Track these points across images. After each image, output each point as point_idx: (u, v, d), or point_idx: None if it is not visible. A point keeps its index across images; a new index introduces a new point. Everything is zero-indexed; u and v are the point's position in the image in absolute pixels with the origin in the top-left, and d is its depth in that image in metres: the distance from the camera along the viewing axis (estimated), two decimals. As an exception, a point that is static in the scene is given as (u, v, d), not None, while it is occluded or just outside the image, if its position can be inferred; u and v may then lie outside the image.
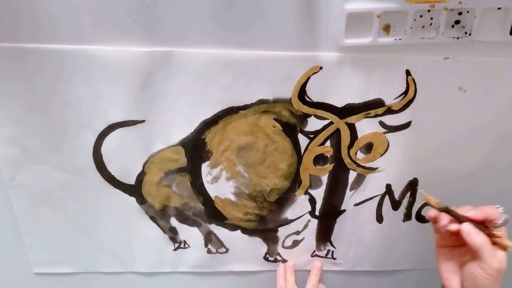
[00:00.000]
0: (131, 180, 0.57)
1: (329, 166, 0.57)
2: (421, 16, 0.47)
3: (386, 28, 0.47)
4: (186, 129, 0.54)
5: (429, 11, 0.46)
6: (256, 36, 0.48)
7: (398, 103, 0.53)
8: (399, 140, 0.56)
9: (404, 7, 0.45)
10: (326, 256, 0.66)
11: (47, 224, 0.60)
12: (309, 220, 0.62)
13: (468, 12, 0.47)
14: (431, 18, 0.47)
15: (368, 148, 0.56)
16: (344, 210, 0.61)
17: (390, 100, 0.53)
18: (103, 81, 0.49)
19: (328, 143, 0.56)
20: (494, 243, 0.46)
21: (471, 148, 0.57)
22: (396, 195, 0.61)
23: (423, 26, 0.48)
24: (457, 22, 0.48)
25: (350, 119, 0.54)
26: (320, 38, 0.49)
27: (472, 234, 0.45)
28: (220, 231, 0.62)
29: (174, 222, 0.61)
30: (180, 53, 0.48)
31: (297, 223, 0.62)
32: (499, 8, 0.47)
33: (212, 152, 0.55)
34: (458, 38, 0.48)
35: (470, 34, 0.48)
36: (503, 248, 0.46)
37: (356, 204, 0.61)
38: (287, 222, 0.62)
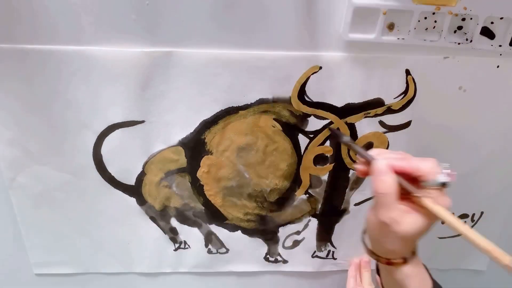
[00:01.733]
0: (131, 181, 0.57)
1: (329, 166, 0.57)
2: (425, 18, 0.47)
3: (390, 27, 0.47)
4: (186, 130, 0.54)
5: (433, 13, 0.46)
6: (256, 36, 0.48)
7: (398, 102, 0.53)
8: (399, 139, 0.56)
9: (410, 7, 0.46)
10: (326, 257, 0.66)
11: (47, 225, 0.60)
12: (309, 220, 0.62)
13: (471, 19, 0.47)
14: (435, 21, 0.47)
15: (368, 147, 0.56)
16: (345, 210, 0.61)
17: (390, 99, 0.53)
18: (103, 81, 0.49)
19: (328, 143, 0.56)
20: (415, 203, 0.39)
21: (471, 148, 0.57)
22: (396, 194, 0.61)
23: (426, 29, 0.48)
24: (460, 28, 0.48)
25: (350, 119, 0.54)
26: (320, 38, 0.49)
27: (376, 178, 0.39)
28: (220, 232, 0.62)
29: (174, 222, 0.61)
30: (180, 53, 0.48)
31: (298, 223, 0.62)
32: (501, 18, 0.47)
33: (212, 152, 0.55)
34: (459, 43, 0.48)
35: (471, 41, 0.48)
36: (426, 212, 0.38)
37: (356, 204, 0.61)
38: (287, 222, 0.62)
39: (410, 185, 0.39)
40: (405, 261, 0.41)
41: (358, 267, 0.64)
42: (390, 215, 0.38)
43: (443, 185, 0.38)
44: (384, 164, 0.39)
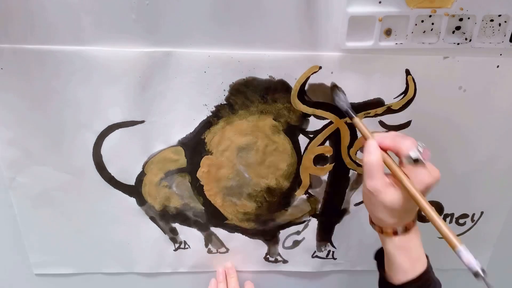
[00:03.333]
0: (131, 181, 0.57)
1: (329, 166, 0.57)
2: (422, 21, 0.47)
3: (387, 32, 0.47)
4: (185, 129, 0.54)
5: (430, 16, 0.47)
6: (256, 36, 0.48)
7: (398, 102, 0.53)
8: (399, 139, 0.56)
9: (406, 12, 0.46)
10: (326, 257, 0.66)
11: (47, 225, 0.60)
12: (309, 220, 0.62)
13: (469, 18, 0.47)
14: (432, 24, 0.47)
15: (368, 147, 0.56)
16: (345, 210, 0.61)
17: (389, 99, 0.53)
18: (102, 81, 0.49)
19: (327, 143, 0.56)
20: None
21: (471, 148, 0.57)
22: (396, 194, 0.61)
23: (424, 31, 0.48)
24: (458, 28, 0.48)
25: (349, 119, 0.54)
26: (320, 38, 0.49)
27: (365, 152, 0.43)
28: (220, 232, 0.62)
29: (174, 222, 0.61)
30: (180, 53, 0.48)
31: (298, 223, 0.62)
32: (499, 15, 0.47)
33: (212, 152, 0.55)
34: (458, 44, 0.48)
35: (470, 40, 0.48)
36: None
37: (356, 204, 0.61)
38: (287, 222, 0.62)
39: (390, 158, 0.44)
40: (395, 233, 0.44)
41: (224, 274, 0.65)
42: (373, 184, 0.42)
43: (416, 161, 0.41)
44: (374, 142, 0.44)
